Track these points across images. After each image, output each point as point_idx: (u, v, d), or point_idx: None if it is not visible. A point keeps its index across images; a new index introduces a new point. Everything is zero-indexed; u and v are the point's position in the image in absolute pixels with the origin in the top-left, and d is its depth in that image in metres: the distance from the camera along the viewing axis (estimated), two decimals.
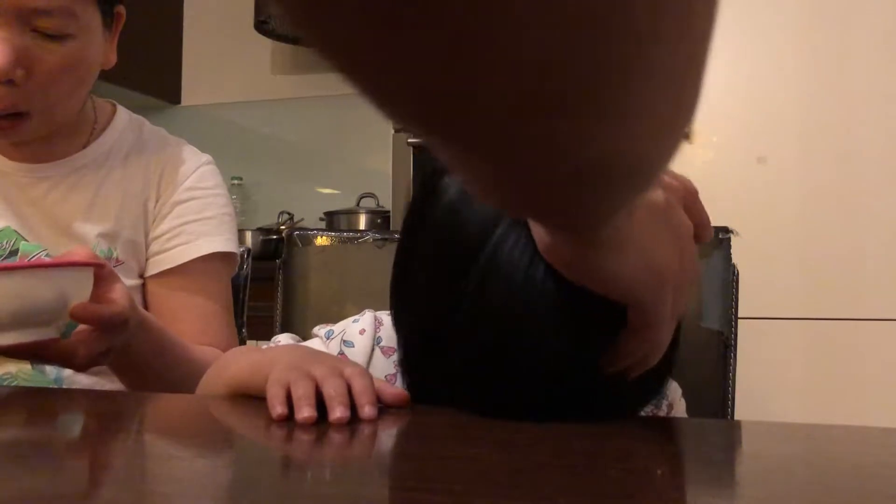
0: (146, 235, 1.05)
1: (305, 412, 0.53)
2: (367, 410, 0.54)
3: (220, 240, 1.06)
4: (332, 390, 0.54)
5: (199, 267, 1.04)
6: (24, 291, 0.73)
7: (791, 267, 1.86)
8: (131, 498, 0.37)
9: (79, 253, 0.82)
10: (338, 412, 0.53)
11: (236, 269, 1.12)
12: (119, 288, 0.81)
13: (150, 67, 2.93)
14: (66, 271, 0.77)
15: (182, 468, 0.45)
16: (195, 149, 1.12)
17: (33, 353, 0.80)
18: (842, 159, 1.86)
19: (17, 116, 0.93)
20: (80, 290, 0.77)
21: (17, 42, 0.89)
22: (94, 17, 0.95)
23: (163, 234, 1.04)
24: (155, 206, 1.05)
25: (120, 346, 0.82)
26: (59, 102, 0.96)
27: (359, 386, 0.55)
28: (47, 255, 0.98)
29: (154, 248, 1.05)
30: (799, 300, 1.85)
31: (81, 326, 0.80)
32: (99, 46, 0.97)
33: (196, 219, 1.05)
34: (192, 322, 1.02)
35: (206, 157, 1.11)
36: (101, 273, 0.80)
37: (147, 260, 1.05)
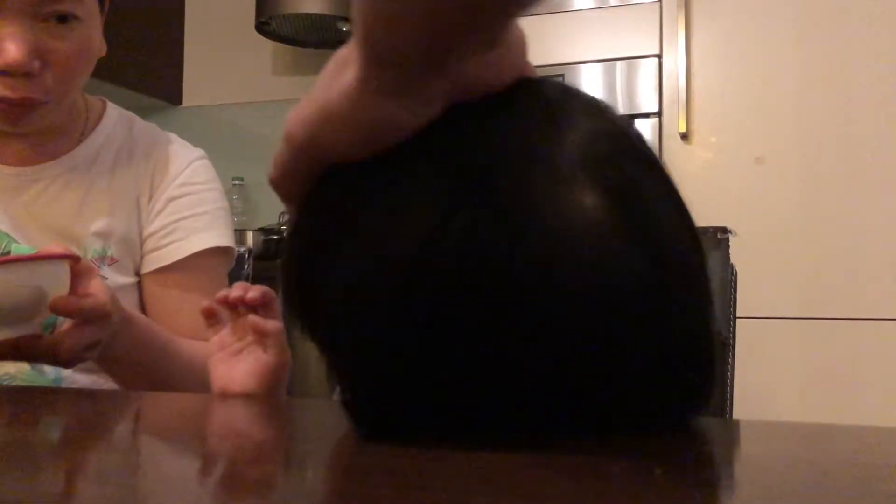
0: (140, 233, 1.05)
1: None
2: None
3: (215, 235, 1.05)
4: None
5: (194, 263, 1.04)
6: (1, 288, 0.73)
7: (789, 267, 1.86)
8: (129, 498, 0.37)
9: (53, 248, 0.82)
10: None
11: (233, 263, 1.11)
12: (97, 282, 0.81)
13: (151, 68, 2.93)
14: (41, 265, 0.77)
15: (181, 468, 0.45)
16: (187, 143, 1.11)
17: (17, 352, 0.79)
18: (840, 159, 1.86)
19: (29, 105, 0.94)
20: (57, 283, 0.77)
21: (29, 35, 0.90)
22: (93, 2, 0.97)
23: (157, 231, 1.04)
24: (148, 203, 1.05)
25: (105, 340, 0.82)
26: (71, 90, 0.97)
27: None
28: None
29: (149, 245, 1.04)
30: (797, 300, 1.85)
31: (63, 322, 0.80)
32: (99, 32, 0.98)
33: (190, 214, 1.05)
34: (189, 319, 1.01)
35: (198, 152, 1.10)
36: (79, 268, 0.80)
37: (142, 257, 1.05)
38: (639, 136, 0.45)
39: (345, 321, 0.42)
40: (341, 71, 0.41)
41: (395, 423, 0.43)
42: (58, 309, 0.77)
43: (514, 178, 0.39)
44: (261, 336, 0.73)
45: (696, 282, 0.43)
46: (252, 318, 0.72)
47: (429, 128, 0.41)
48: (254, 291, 0.73)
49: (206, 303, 0.75)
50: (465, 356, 0.40)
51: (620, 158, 0.42)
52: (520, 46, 0.44)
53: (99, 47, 1.00)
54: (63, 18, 0.92)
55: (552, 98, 0.44)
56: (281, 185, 0.46)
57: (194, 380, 0.92)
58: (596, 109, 0.44)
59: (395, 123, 0.41)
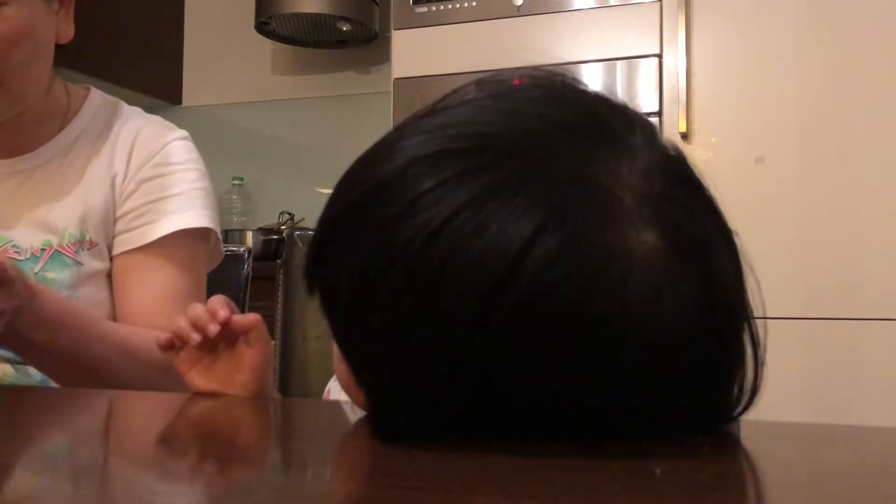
0: (114, 213, 1.02)
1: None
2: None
3: (187, 217, 1.01)
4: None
5: (164, 245, 1.00)
6: None
7: (790, 267, 1.86)
8: (126, 498, 0.37)
9: None
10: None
11: (218, 246, 1.07)
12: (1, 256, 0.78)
13: (151, 68, 2.93)
14: None
15: (179, 467, 0.45)
16: (170, 124, 1.09)
17: None
18: (840, 159, 1.86)
19: None
20: None
21: None
22: None
23: (129, 213, 1.02)
24: (123, 183, 1.02)
25: (8, 313, 0.78)
26: (13, 75, 0.94)
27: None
28: (14, 246, 0.97)
29: (119, 226, 1.02)
30: (798, 300, 1.85)
31: None
32: (43, 17, 0.96)
33: (161, 197, 1.02)
34: (154, 304, 0.98)
35: (179, 133, 1.08)
36: None
37: (113, 238, 1.02)
38: (685, 158, 0.51)
39: (412, 340, 0.42)
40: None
41: (420, 437, 0.44)
42: None
43: (580, 214, 0.42)
44: (245, 332, 0.72)
45: (741, 311, 0.47)
46: (235, 319, 0.70)
47: (504, 154, 0.43)
48: (224, 311, 0.70)
49: (163, 336, 0.71)
50: (524, 378, 0.41)
51: (676, 192, 0.46)
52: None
53: (53, 34, 0.97)
54: None
55: (612, 125, 0.47)
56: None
57: (131, 366, 0.88)
58: (651, 134, 0.48)
59: None
